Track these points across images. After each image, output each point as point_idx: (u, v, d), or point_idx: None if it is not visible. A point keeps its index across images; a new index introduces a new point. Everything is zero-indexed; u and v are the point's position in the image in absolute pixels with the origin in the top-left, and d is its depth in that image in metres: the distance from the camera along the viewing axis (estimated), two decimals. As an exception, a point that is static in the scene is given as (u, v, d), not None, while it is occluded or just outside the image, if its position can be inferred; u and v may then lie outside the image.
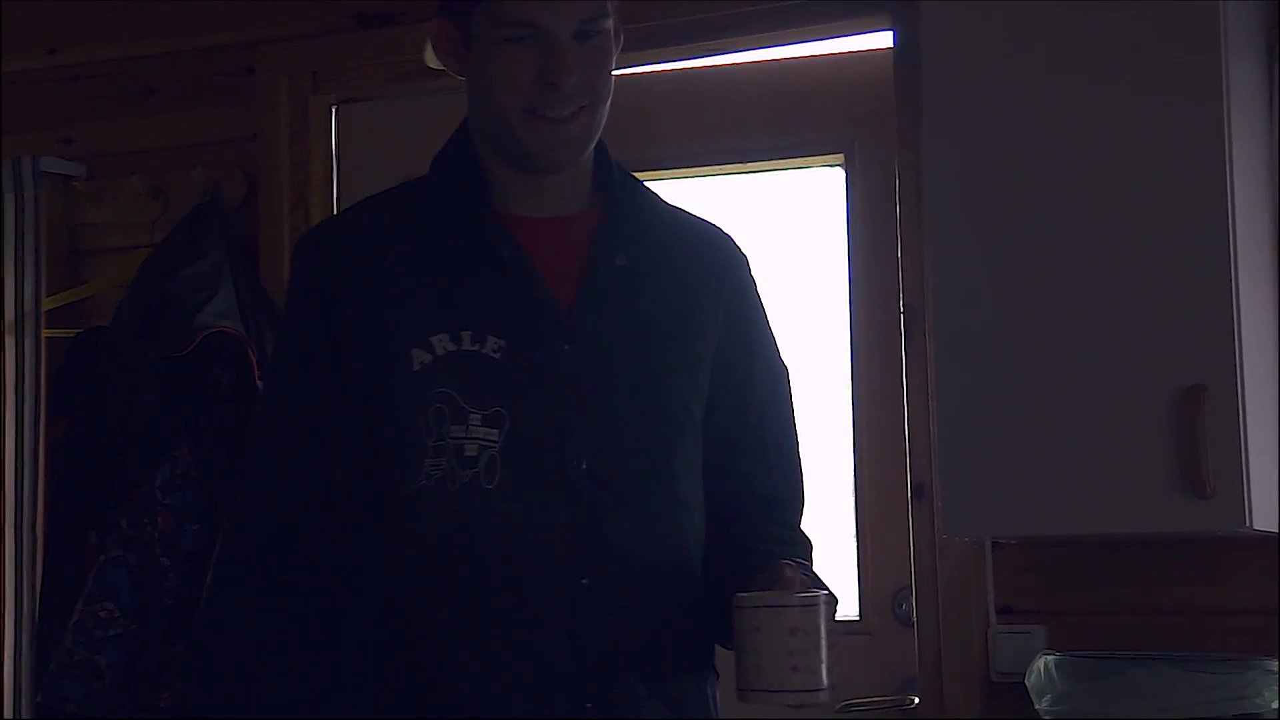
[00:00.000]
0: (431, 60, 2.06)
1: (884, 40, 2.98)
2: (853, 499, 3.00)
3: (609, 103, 1.90)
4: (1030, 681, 2.50)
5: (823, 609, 1.72)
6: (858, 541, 2.99)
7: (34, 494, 3.32)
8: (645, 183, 2.03)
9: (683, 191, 3.16)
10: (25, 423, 3.34)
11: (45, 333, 3.36)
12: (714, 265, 2.01)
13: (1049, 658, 2.49)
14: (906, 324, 2.87)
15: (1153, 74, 2.49)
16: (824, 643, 1.70)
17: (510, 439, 1.82)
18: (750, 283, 2.05)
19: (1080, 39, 2.53)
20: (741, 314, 2.02)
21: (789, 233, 3.16)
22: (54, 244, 3.44)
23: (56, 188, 3.45)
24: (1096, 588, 2.74)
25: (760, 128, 3.10)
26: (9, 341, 3.38)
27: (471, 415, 1.81)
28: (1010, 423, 2.51)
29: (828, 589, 1.86)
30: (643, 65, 3.14)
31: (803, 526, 2.05)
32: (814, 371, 3.09)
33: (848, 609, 2.99)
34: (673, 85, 3.15)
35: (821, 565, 2.99)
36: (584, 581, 1.83)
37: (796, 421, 2.06)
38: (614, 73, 1.90)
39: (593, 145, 1.93)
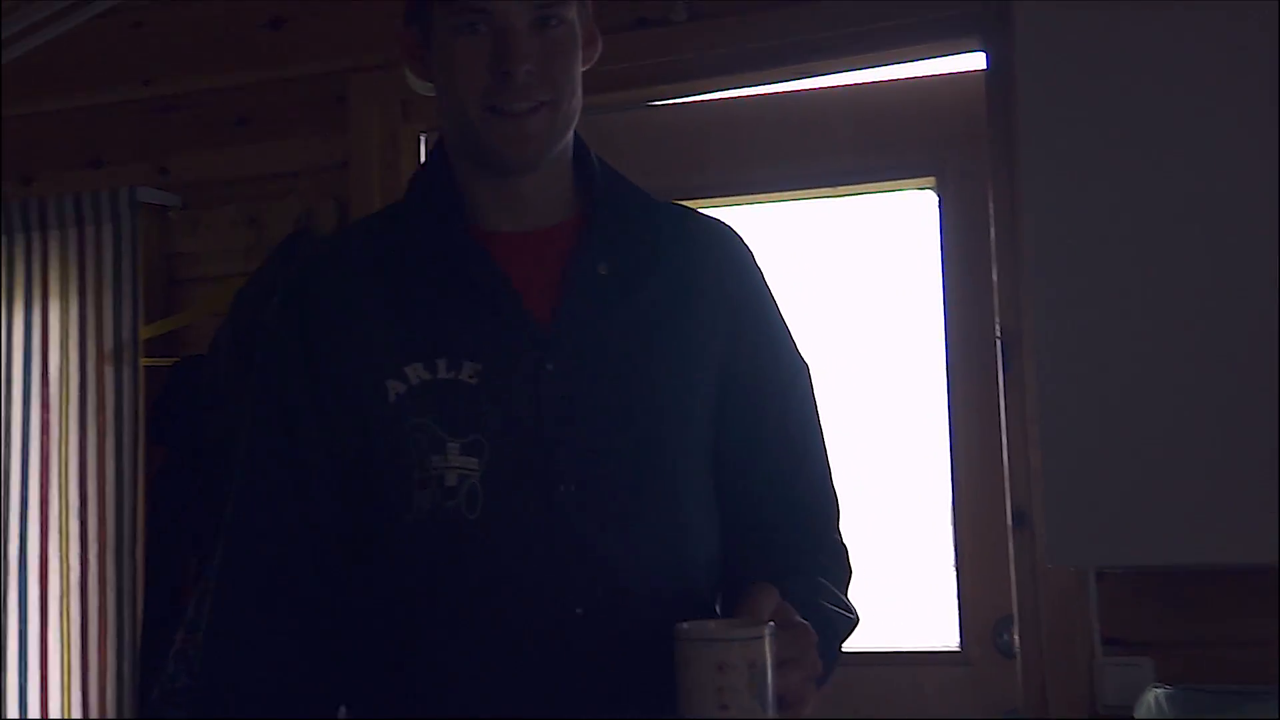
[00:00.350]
0: (414, 84, 2.00)
1: (976, 61, 2.95)
2: (951, 527, 2.97)
3: (575, 102, 1.78)
4: (1140, 715, 2.47)
5: (765, 643, 1.57)
6: (957, 570, 2.96)
7: (134, 522, 3.35)
8: (635, 184, 1.90)
9: (772, 215, 3.15)
10: (124, 451, 3.37)
11: (143, 361, 3.39)
12: (711, 261, 1.85)
13: (1160, 691, 2.45)
14: (1004, 348, 2.84)
15: (1255, 92, 2.45)
16: (766, 679, 1.56)
17: (491, 467, 1.72)
18: (756, 276, 1.89)
19: (1178, 58, 2.50)
20: (748, 310, 1.86)
21: (880, 256, 3.14)
22: (151, 273, 3.47)
23: (153, 217, 3.49)
24: (1205, 618, 2.69)
25: (850, 150, 3.08)
26: (108, 370, 3.41)
27: (450, 444, 1.73)
28: (1114, 449, 2.48)
29: (849, 609, 1.77)
30: (733, 89, 3.13)
31: (838, 533, 1.89)
32: (908, 398, 3.07)
33: (948, 639, 2.96)
34: (763, 109, 3.14)
35: (913, 591, 3.01)
36: (578, 611, 1.71)
37: (821, 421, 1.90)
38: (580, 74, 1.80)
39: (560, 143, 1.80)
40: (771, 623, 1.58)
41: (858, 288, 3.13)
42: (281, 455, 1.80)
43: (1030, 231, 2.60)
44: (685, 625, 1.58)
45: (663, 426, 1.77)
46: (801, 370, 1.89)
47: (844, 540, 1.88)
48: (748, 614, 1.61)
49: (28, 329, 3.51)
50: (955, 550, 2.96)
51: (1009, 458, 2.82)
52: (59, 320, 3.48)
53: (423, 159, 3.39)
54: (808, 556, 1.82)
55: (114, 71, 3.62)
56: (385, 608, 1.76)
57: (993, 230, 2.88)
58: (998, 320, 2.86)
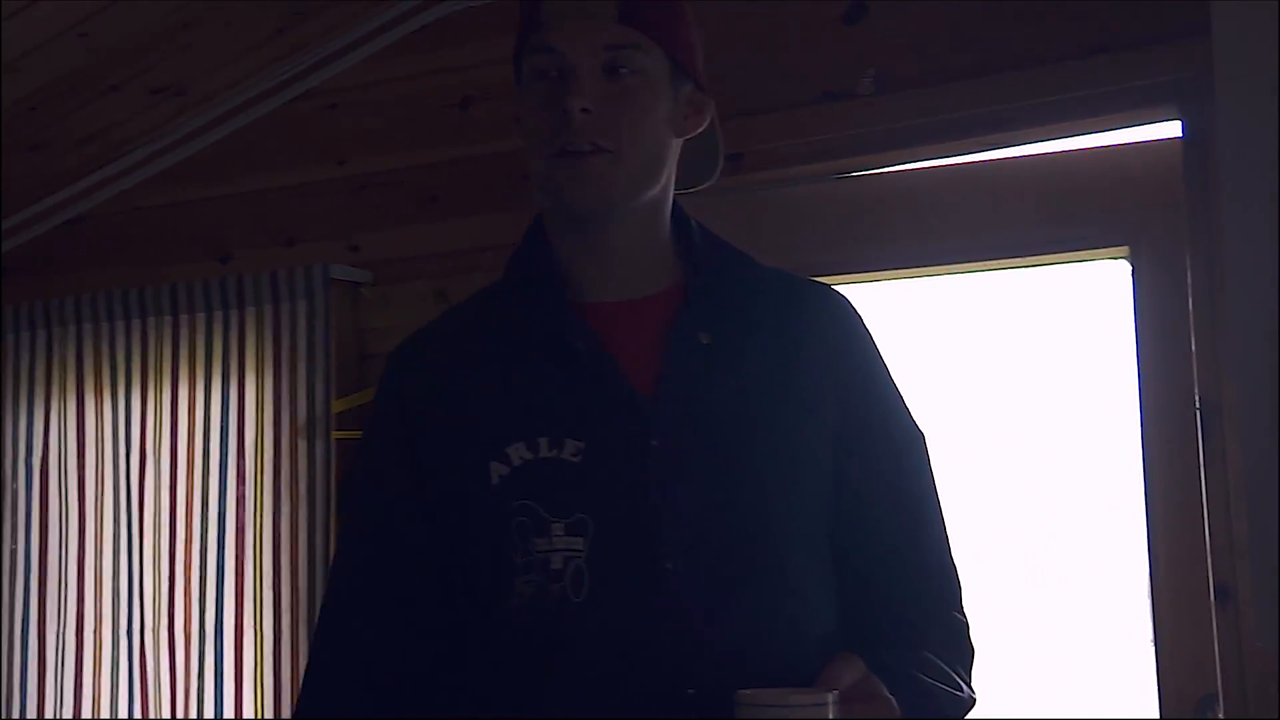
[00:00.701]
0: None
1: (1168, 130, 2.91)
2: (1149, 601, 2.90)
3: (649, 159, 1.74)
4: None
5: (823, 711, 1.50)
6: (1156, 645, 2.88)
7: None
8: (741, 251, 1.86)
9: (962, 287, 3.12)
10: (317, 522, 3.42)
11: (335, 434, 3.46)
12: (817, 326, 1.81)
13: (1369, 772, 2.37)
14: (1204, 420, 2.78)
15: None
16: None
17: (596, 547, 1.67)
18: (865, 343, 1.84)
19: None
20: (857, 378, 1.81)
21: (1072, 327, 3.10)
22: (343, 348, 3.54)
23: (345, 294, 3.56)
24: None
25: (1042, 221, 3.04)
26: (301, 443, 3.47)
27: (554, 525, 1.68)
28: (1321, 523, 2.41)
29: (960, 688, 1.71)
30: (926, 160, 3.12)
31: (957, 610, 1.82)
32: (1104, 470, 3.01)
33: (1148, 713, 2.89)
34: (951, 179, 3.12)
35: (1110, 665, 2.94)
36: (690, 692, 1.65)
37: (939, 494, 1.84)
38: (664, 135, 1.76)
39: (634, 198, 1.75)
40: (835, 691, 1.53)
41: (1050, 359, 3.09)
42: (379, 548, 1.79)
43: (1230, 300, 2.54)
44: (745, 692, 1.53)
45: (771, 500, 1.72)
46: (916, 440, 1.84)
47: (964, 617, 1.82)
48: (822, 683, 1.56)
49: (224, 403, 3.59)
50: (1154, 625, 2.89)
51: (1210, 531, 2.75)
52: (254, 394, 3.56)
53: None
54: (918, 632, 1.76)
55: (308, 153, 3.71)
56: (487, 696, 1.73)
57: (1191, 299, 2.83)
58: (1197, 391, 2.80)
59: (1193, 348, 2.82)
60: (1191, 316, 2.83)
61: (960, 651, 1.79)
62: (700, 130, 1.82)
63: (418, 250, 3.55)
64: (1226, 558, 2.72)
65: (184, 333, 3.66)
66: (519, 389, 1.74)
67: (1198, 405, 2.80)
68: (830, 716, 1.51)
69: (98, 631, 3.69)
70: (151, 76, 3.59)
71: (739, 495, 1.71)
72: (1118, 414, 2.99)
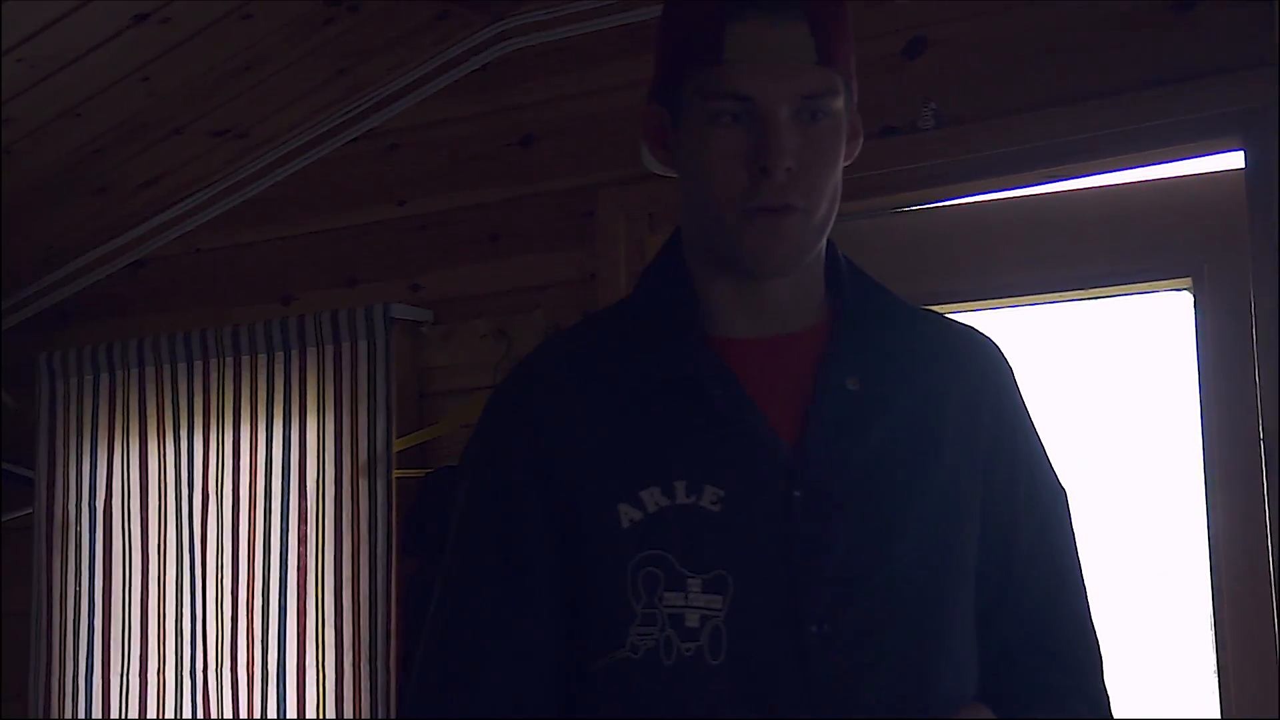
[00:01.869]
0: (650, 163, 1.91)
1: (1233, 160, 2.90)
2: (1213, 641, 2.87)
3: (832, 207, 1.62)
4: None
5: None
6: (1220, 687, 2.85)
7: (388, 631, 3.40)
8: (886, 287, 1.74)
9: (1023, 319, 3.11)
10: (378, 561, 3.43)
11: (396, 473, 3.46)
12: (969, 376, 1.70)
13: None
14: (1266, 453, 2.76)
15: None
16: None
17: (736, 606, 1.55)
18: (1015, 394, 1.73)
19: None
20: (1006, 428, 1.70)
21: (1136, 359, 3.08)
22: (404, 387, 3.54)
23: (405, 333, 3.57)
24: None
25: (1104, 252, 3.03)
26: (363, 482, 3.48)
27: (690, 580, 1.56)
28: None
29: None
30: (987, 193, 3.11)
31: (1100, 680, 1.72)
32: (1166, 505, 2.99)
33: (1215, 748, 2.87)
34: (1012, 211, 3.11)
35: (1178, 700, 2.91)
36: None
37: (1080, 554, 1.73)
38: (841, 173, 1.63)
39: (814, 251, 1.64)
40: None
41: (1112, 391, 3.07)
42: (500, 553, 1.65)
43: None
44: None
45: (924, 559, 1.61)
46: (1060, 496, 1.74)
47: (1106, 688, 1.72)
48: None
49: (286, 443, 3.61)
50: (1217, 659, 2.86)
51: (1275, 563, 2.72)
52: (315, 433, 3.58)
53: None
54: (1058, 698, 1.67)
55: (369, 193, 3.73)
56: None
57: (1254, 332, 2.81)
58: (1260, 422, 2.77)
59: (1256, 378, 2.80)
60: (1255, 347, 2.81)
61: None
62: (857, 153, 1.69)
63: (478, 289, 3.57)
64: (1294, 592, 2.69)
65: (245, 373, 3.68)
66: (652, 428, 1.62)
67: (1261, 438, 2.77)
68: None
69: (161, 673, 3.70)
70: (213, 119, 3.62)
71: (889, 554, 1.60)
72: (1181, 445, 2.97)
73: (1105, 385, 3.08)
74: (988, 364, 1.73)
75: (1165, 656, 2.98)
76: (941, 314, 1.80)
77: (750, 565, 1.57)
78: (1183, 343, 2.99)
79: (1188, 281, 2.99)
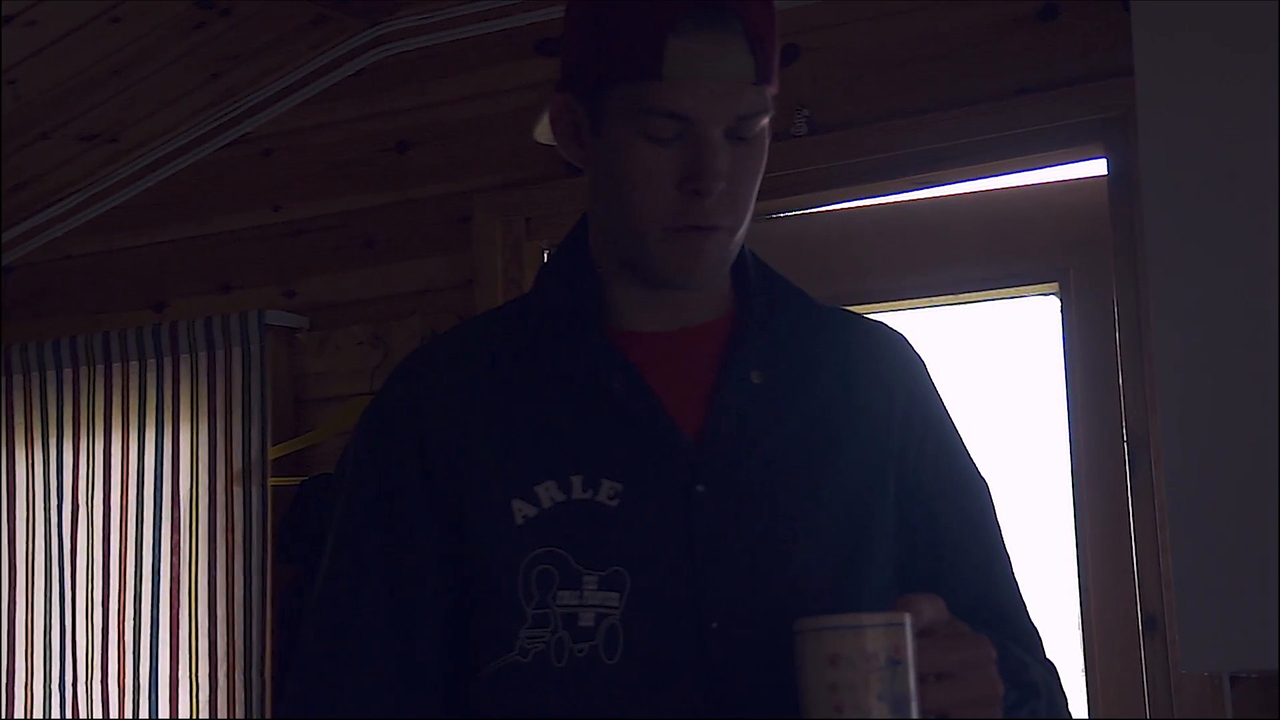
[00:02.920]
0: (543, 135, 1.70)
1: (1096, 168, 2.96)
2: (1080, 632, 2.93)
3: (750, 215, 1.57)
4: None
5: (890, 634, 1.33)
6: (1086, 675, 2.91)
7: (263, 640, 3.37)
8: (792, 282, 1.69)
9: (894, 323, 3.14)
10: (253, 569, 3.41)
11: (272, 481, 3.44)
12: (880, 370, 1.65)
13: (1299, 796, 2.39)
14: (1131, 453, 2.82)
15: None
16: (900, 682, 1.33)
17: (633, 604, 1.50)
18: (929, 387, 1.70)
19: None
20: (920, 422, 1.66)
21: (1004, 362, 3.13)
22: (278, 394, 3.53)
23: (281, 339, 3.56)
24: (1345, 722, 2.64)
25: (972, 258, 3.08)
26: (237, 490, 3.46)
27: (586, 577, 1.51)
28: (1247, 552, 2.44)
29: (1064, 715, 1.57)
30: (859, 199, 3.16)
31: (1045, 653, 1.67)
32: (1034, 503, 3.05)
33: (1081, 746, 2.92)
34: (884, 218, 3.16)
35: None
36: None
37: (1007, 544, 1.69)
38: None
39: (729, 263, 1.60)
40: (907, 614, 1.36)
41: (982, 394, 3.12)
42: (382, 551, 1.58)
43: (1157, 337, 2.58)
44: (805, 620, 1.37)
45: (829, 553, 1.56)
46: (983, 489, 1.70)
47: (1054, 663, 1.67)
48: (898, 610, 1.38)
49: (159, 451, 3.57)
50: (1084, 655, 2.92)
51: (1139, 562, 2.79)
52: (189, 441, 3.55)
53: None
54: (1026, 665, 1.58)
55: (243, 199, 3.71)
56: None
57: (1118, 335, 2.87)
58: (1125, 424, 2.84)
59: (1120, 382, 2.86)
60: (1119, 351, 2.87)
61: (1061, 692, 1.64)
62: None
63: (354, 295, 3.56)
64: (1155, 589, 2.76)
65: (118, 381, 3.64)
66: (550, 423, 1.56)
67: (1125, 438, 2.83)
68: (908, 643, 1.34)
69: (29, 684, 3.65)
70: (83, 123, 3.59)
71: (794, 548, 1.55)
72: (1049, 447, 3.03)
73: (978, 388, 3.13)
74: (898, 359, 1.69)
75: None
76: (850, 311, 1.75)
77: (649, 561, 1.52)
78: (1051, 346, 3.05)
79: (1055, 286, 3.05)
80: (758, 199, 3.09)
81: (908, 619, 1.35)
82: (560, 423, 1.56)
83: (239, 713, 3.38)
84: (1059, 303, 3.04)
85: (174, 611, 3.51)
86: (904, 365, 1.68)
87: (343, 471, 1.66)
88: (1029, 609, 1.68)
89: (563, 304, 1.61)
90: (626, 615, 1.50)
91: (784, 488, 1.56)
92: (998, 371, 3.12)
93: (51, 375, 3.71)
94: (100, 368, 3.66)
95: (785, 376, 1.60)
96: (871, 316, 1.73)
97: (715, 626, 1.50)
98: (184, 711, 3.46)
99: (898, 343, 1.70)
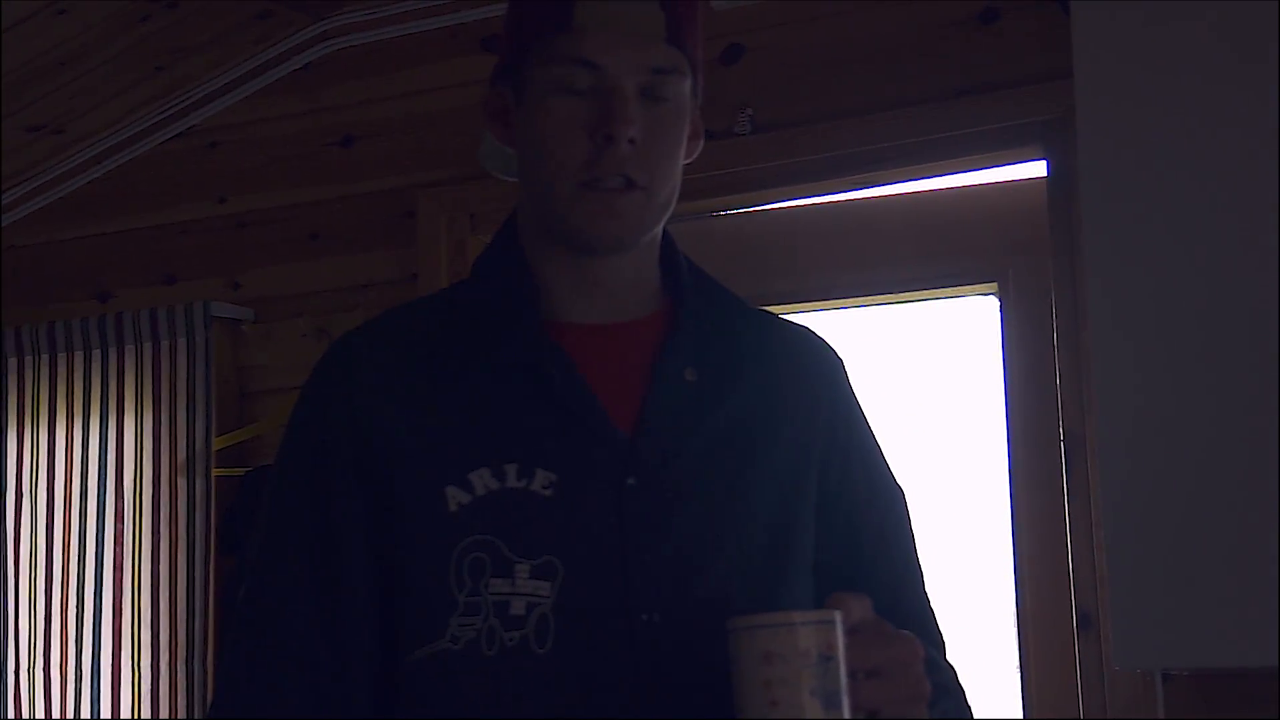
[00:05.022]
0: (486, 158, 1.76)
1: (1036, 169, 2.99)
2: (1015, 629, 2.96)
3: (671, 192, 1.60)
4: (1207, 817, 2.44)
5: (821, 631, 1.36)
6: (1021, 671, 2.95)
7: (205, 630, 3.38)
8: (717, 280, 1.72)
9: (835, 322, 3.18)
10: (196, 560, 3.41)
11: (216, 471, 3.45)
12: (807, 373, 1.69)
13: (1226, 792, 2.43)
14: (1068, 452, 2.85)
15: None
16: (832, 678, 1.36)
17: (564, 593, 1.51)
18: (849, 392, 1.73)
19: (1241, 164, 2.51)
20: (843, 427, 1.70)
21: (943, 362, 3.16)
22: (223, 385, 3.53)
23: (225, 331, 3.56)
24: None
25: (912, 258, 3.11)
26: (181, 481, 3.46)
27: (518, 566, 1.51)
28: (1180, 551, 2.47)
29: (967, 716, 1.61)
30: (801, 198, 3.18)
31: (947, 657, 1.72)
32: (971, 501, 3.08)
33: (1014, 742, 2.96)
34: (825, 217, 3.18)
35: (985, 696, 3.00)
36: None
37: (919, 550, 1.75)
38: (681, 164, 1.61)
39: (652, 231, 1.62)
40: (838, 611, 1.39)
41: (921, 393, 3.15)
42: (311, 540, 1.57)
43: (1094, 337, 2.61)
44: (737, 619, 1.40)
45: (756, 551, 1.59)
46: (898, 496, 1.74)
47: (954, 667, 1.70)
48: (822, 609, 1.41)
49: (103, 441, 3.57)
50: (1020, 652, 2.95)
51: (1073, 560, 2.82)
52: (134, 432, 3.55)
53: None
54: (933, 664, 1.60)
55: (188, 190, 3.71)
56: None
57: (1055, 335, 2.90)
58: (1061, 423, 2.87)
59: (1057, 381, 2.89)
60: (1056, 351, 2.90)
61: (963, 694, 1.68)
62: (697, 153, 1.67)
63: (299, 288, 3.56)
64: (1089, 587, 2.79)
65: (62, 371, 3.64)
66: (484, 409, 1.57)
67: (1062, 437, 2.87)
68: (839, 639, 1.37)
69: (-28, 674, 3.65)
70: (28, 114, 3.57)
71: (724, 544, 1.57)
72: (986, 445, 3.06)
73: (917, 386, 3.16)
74: (824, 364, 1.72)
75: (969, 652, 3.06)
76: (777, 314, 1.79)
77: (581, 552, 1.53)
78: (990, 345, 3.08)
79: (994, 286, 3.08)
80: (700, 196, 3.12)
81: (838, 616, 1.38)
82: (494, 411, 1.57)
83: (180, 703, 3.38)
84: (998, 302, 3.07)
85: (117, 600, 3.51)
86: (828, 371, 1.72)
87: (275, 461, 1.66)
88: (936, 616, 1.73)
89: (498, 292, 1.62)
90: (558, 605, 1.51)
91: (713, 485, 1.59)
92: (937, 370, 3.15)
93: (-5, 365, 3.70)
94: (45, 357, 3.66)
95: (716, 376, 1.63)
96: (800, 318, 1.77)
97: (645, 619, 1.52)
98: (125, 701, 3.46)
99: (821, 348, 1.74)
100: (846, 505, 1.67)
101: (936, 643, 1.70)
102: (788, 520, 1.62)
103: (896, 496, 1.73)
